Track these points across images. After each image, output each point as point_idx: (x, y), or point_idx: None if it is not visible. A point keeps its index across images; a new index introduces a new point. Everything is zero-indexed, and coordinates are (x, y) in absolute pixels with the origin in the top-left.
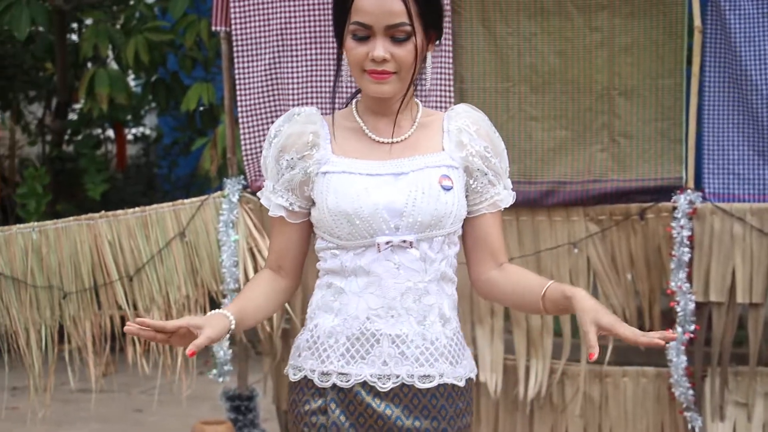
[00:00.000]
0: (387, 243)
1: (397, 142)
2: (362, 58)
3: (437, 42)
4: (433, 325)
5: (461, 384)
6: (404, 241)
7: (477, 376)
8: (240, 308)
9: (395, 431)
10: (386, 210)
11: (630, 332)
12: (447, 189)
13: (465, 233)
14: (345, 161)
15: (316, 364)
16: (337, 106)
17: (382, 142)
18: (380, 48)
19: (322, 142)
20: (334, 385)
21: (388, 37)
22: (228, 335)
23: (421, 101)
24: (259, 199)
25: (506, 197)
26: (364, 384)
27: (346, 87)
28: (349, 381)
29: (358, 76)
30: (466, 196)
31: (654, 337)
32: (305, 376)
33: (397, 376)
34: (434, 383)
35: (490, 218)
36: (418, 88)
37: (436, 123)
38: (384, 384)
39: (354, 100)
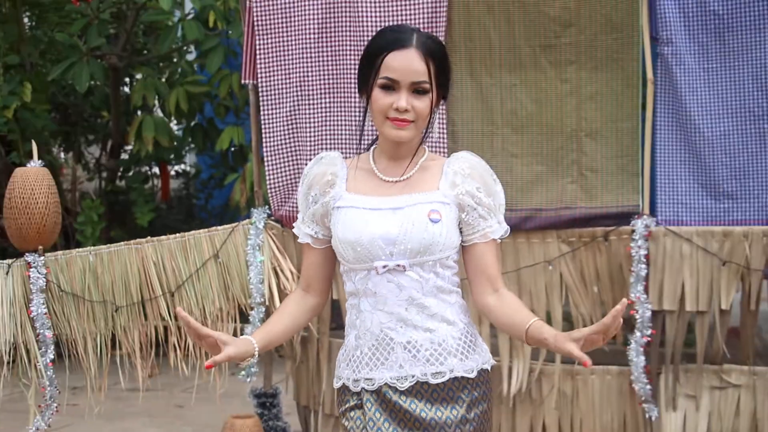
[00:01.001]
0: (384, 267)
1: (399, 181)
2: (387, 107)
3: (443, 101)
4: (439, 330)
5: (472, 375)
6: (398, 265)
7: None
8: (267, 332)
9: (421, 421)
10: (382, 239)
11: (598, 325)
12: (435, 221)
13: (465, 260)
14: (354, 197)
15: (349, 373)
16: (360, 148)
17: (388, 181)
18: (404, 99)
19: (338, 181)
20: (365, 389)
21: (410, 92)
22: (255, 357)
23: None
24: (282, 226)
25: (497, 230)
26: (388, 385)
27: (351, 133)
28: (374, 384)
29: (381, 121)
30: (461, 228)
31: (612, 314)
32: (343, 384)
33: (413, 376)
34: (446, 378)
35: (483, 247)
36: (426, 137)
37: (437, 166)
38: (402, 384)
39: (372, 147)
